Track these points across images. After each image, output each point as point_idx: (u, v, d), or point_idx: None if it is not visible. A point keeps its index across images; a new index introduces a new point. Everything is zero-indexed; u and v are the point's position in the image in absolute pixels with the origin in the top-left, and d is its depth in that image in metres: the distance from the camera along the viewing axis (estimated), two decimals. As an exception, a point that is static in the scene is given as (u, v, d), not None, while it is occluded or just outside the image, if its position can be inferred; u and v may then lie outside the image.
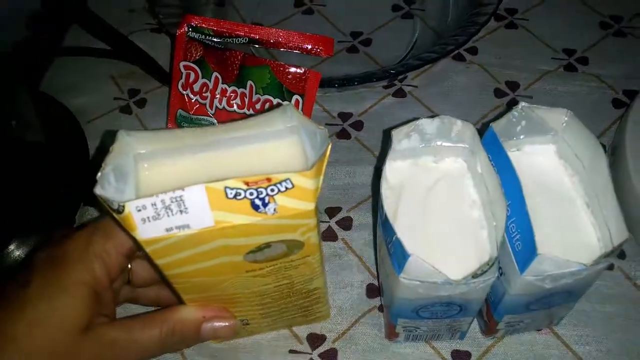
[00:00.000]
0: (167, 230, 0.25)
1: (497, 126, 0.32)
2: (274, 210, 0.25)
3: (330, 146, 0.26)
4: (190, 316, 0.32)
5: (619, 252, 0.40)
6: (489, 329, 0.36)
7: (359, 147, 0.47)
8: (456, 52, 0.52)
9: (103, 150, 0.27)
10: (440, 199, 0.32)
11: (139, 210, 0.24)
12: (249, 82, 0.41)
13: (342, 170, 0.46)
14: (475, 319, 0.38)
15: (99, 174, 0.25)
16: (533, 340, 0.37)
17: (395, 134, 0.32)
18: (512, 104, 0.49)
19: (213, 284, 0.30)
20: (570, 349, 0.37)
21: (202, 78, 0.42)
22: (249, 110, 0.41)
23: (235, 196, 0.24)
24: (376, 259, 0.40)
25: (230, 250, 0.27)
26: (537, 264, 0.28)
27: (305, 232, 0.27)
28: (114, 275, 0.31)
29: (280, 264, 0.29)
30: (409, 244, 0.30)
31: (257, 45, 0.41)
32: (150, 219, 0.24)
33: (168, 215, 0.24)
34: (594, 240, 0.31)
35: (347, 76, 0.44)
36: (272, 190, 0.24)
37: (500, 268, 0.32)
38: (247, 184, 0.24)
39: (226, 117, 0.42)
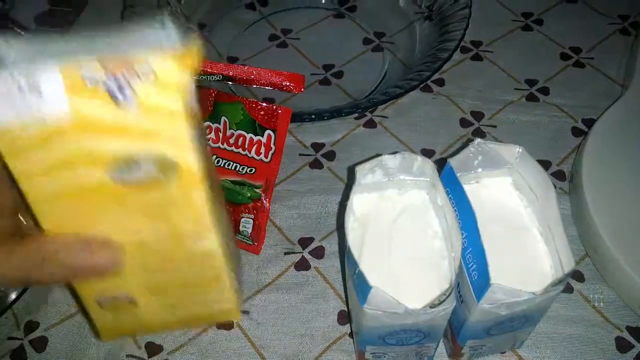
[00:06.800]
0: (19, 114, 0.23)
1: (454, 161, 0.34)
2: (133, 100, 0.23)
3: (201, 48, 0.23)
4: (61, 243, 0.27)
5: (578, 276, 0.43)
6: (454, 352, 0.38)
7: (331, 176, 0.49)
8: (423, 84, 0.54)
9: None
10: (404, 230, 0.34)
11: None
12: (223, 118, 0.43)
13: (315, 200, 0.47)
14: (442, 343, 0.40)
15: None
16: (497, 363, 0.39)
17: (359, 169, 0.34)
18: (476, 133, 0.51)
19: (79, 218, 0.27)
20: (532, 371, 0.39)
21: (178, 114, 0.44)
22: (222, 144, 0.43)
23: (92, 83, 0.23)
24: (345, 287, 0.42)
25: (90, 159, 0.25)
26: (491, 294, 0.29)
27: (176, 145, 0.24)
28: None
29: (155, 194, 0.26)
30: (374, 274, 0.32)
31: (230, 83, 0.43)
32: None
33: (20, 94, 0.22)
34: (547, 268, 0.33)
35: (318, 111, 0.46)
36: (132, 78, 0.22)
37: (461, 296, 0.33)
38: (104, 68, 0.22)
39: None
